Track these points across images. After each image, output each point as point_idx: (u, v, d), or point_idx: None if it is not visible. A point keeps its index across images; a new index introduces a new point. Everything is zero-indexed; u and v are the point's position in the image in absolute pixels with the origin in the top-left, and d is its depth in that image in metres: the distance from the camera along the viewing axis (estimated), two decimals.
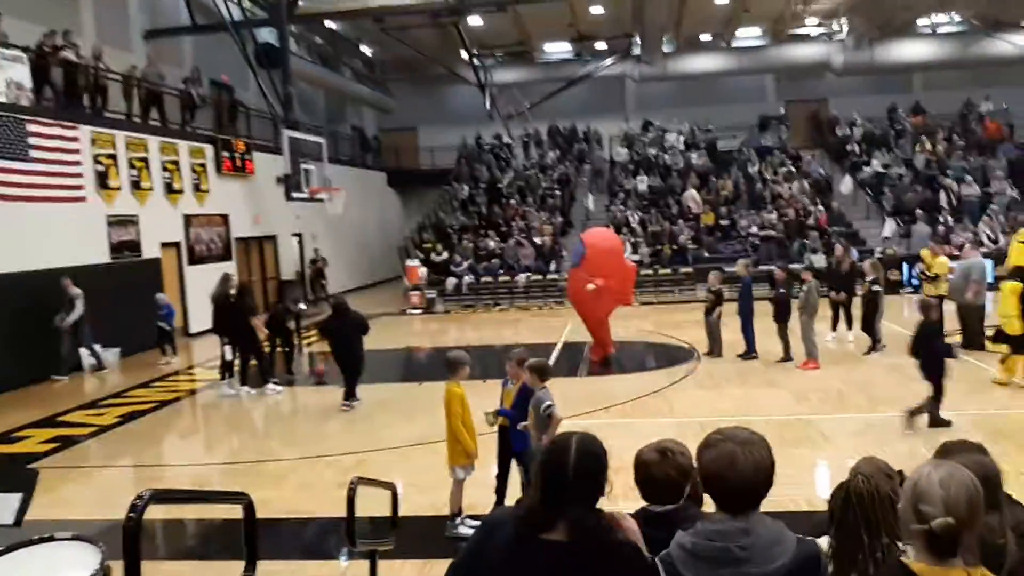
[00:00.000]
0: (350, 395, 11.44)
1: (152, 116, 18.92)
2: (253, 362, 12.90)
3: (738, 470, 2.19)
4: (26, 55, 14.94)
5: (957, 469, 2.14)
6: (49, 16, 17.14)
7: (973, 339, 13.03)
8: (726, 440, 2.23)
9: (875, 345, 13.16)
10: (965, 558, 2.08)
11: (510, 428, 6.60)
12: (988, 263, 15.02)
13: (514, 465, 6.71)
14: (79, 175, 15.78)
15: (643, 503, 2.82)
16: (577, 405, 10.73)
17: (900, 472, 3.03)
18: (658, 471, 2.76)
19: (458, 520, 6.47)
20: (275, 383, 12.84)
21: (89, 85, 16.95)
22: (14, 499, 4.09)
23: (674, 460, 2.79)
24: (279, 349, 13.96)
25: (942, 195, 23.97)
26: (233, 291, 12.94)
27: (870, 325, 13.23)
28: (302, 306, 14.80)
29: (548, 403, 6.16)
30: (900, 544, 2.26)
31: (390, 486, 5.57)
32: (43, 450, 9.97)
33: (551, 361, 13.85)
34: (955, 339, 13.32)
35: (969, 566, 2.08)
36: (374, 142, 33.87)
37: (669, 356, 14.16)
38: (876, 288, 13.21)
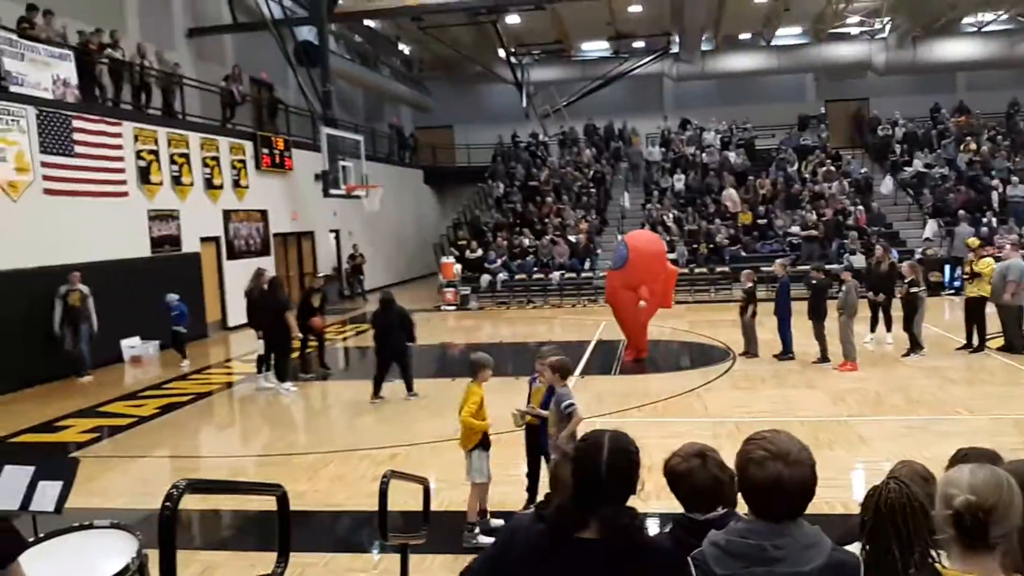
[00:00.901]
0: (410, 387, 11.73)
1: (182, 110, 19.18)
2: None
3: (785, 492, 2.17)
4: (72, 52, 15.24)
5: (990, 466, 2.10)
6: (95, 15, 17.45)
7: (1013, 340, 12.80)
8: (774, 459, 2.18)
9: (914, 347, 12.94)
10: (1004, 563, 2.02)
11: (541, 426, 6.60)
12: None
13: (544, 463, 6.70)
14: (122, 170, 16.05)
15: (674, 502, 2.78)
16: (610, 403, 10.70)
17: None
18: (703, 477, 2.70)
19: (477, 530, 6.36)
20: (290, 384, 12.69)
21: (133, 82, 17.24)
22: (55, 487, 4.17)
23: (713, 463, 2.75)
24: (310, 343, 13.92)
25: (994, 195, 23.50)
26: (265, 286, 13.03)
27: (910, 327, 13.03)
28: (322, 277, 14.68)
29: (570, 401, 6.17)
30: (934, 552, 2.21)
31: (423, 481, 5.58)
32: (84, 439, 10.16)
33: (584, 359, 13.89)
34: (997, 341, 13.11)
35: (1008, 572, 2.03)
36: (411, 140, 34.03)
37: (704, 356, 14.05)
38: (915, 290, 13.00)
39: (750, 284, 13.53)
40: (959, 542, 2.04)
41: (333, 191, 21.46)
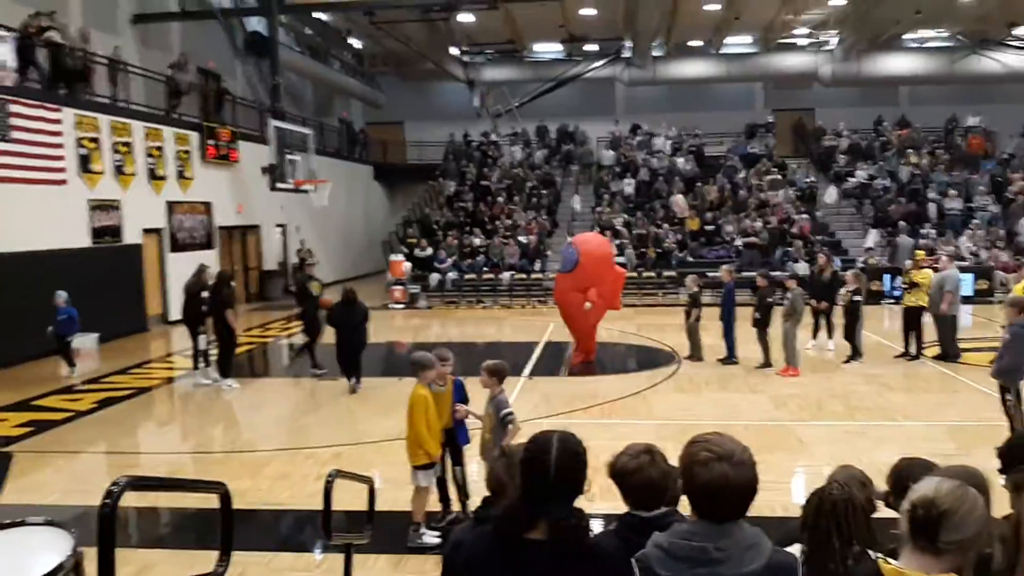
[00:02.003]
0: (358, 378, 11.99)
1: (133, 101, 18.77)
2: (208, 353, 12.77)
3: (729, 492, 2.21)
4: (11, 35, 14.79)
5: (963, 482, 2.17)
6: None
7: (948, 349, 13.19)
8: (719, 460, 2.22)
9: (855, 354, 13.25)
10: (953, 570, 2.07)
11: (456, 429, 6.61)
12: (965, 276, 15.17)
13: (476, 463, 6.69)
14: (61, 157, 15.63)
15: (619, 503, 2.82)
16: (557, 404, 10.75)
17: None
18: (653, 473, 2.75)
19: (422, 530, 6.31)
20: (232, 380, 12.48)
21: (74, 67, 16.79)
22: None
23: (661, 459, 2.80)
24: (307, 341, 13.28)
25: (930, 207, 24.19)
26: (210, 282, 12.81)
27: (851, 334, 13.33)
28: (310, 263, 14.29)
29: (509, 410, 6.15)
30: (872, 552, 2.28)
31: (367, 480, 5.55)
32: (17, 434, 9.87)
33: (532, 360, 13.94)
34: (933, 350, 13.49)
35: None
36: (361, 136, 33.77)
37: (650, 359, 14.19)
38: (857, 298, 13.31)
39: (695, 288, 13.70)
40: (910, 540, 2.10)
41: (280, 185, 21.19)
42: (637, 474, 2.74)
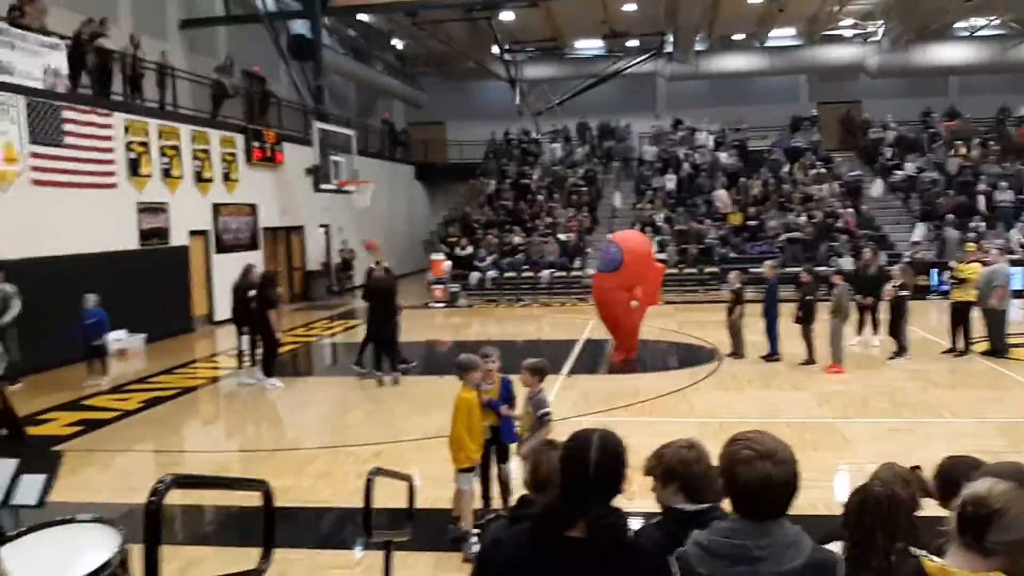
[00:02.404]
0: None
1: (179, 104, 19.10)
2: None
3: (772, 490, 2.20)
4: (64, 43, 15.14)
5: (1018, 484, 2.10)
6: (86, 4, 17.35)
7: (997, 345, 12.90)
8: (761, 458, 2.21)
9: (900, 350, 13.02)
10: (1010, 572, 2.01)
11: (503, 425, 6.60)
12: (1015, 270, 14.82)
13: (515, 461, 6.68)
14: (111, 162, 15.97)
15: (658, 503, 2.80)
16: (597, 402, 10.73)
17: (917, 468, 3.01)
18: (701, 468, 2.74)
19: (471, 539, 6.15)
20: (276, 380, 12.56)
21: (124, 73, 17.16)
22: (38, 480, 4.15)
23: (706, 455, 2.78)
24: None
25: (981, 200, 23.63)
26: (256, 281, 12.98)
27: (896, 330, 13.10)
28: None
29: (547, 409, 6.13)
30: (913, 549, 2.24)
31: (407, 478, 5.59)
32: (67, 433, 10.12)
33: (572, 357, 13.92)
34: (982, 345, 13.20)
35: None
36: (403, 136, 33.99)
37: (691, 356, 14.09)
38: (903, 293, 13.06)
39: (738, 284, 13.58)
40: (957, 537, 2.06)
41: (324, 186, 21.41)
42: (682, 467, 2.74)
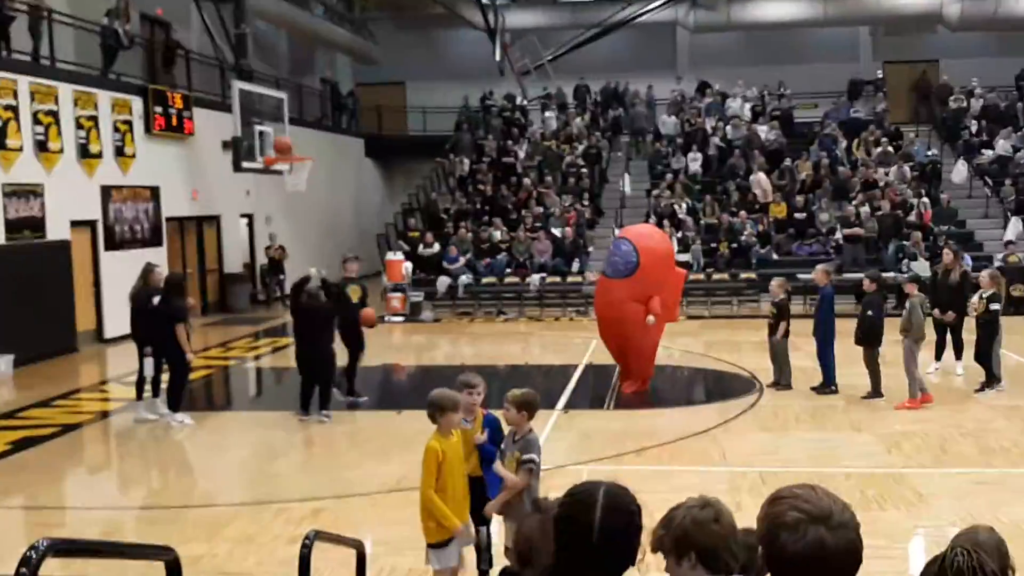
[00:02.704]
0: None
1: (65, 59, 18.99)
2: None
3: (828, 564, 2.18)
4: None
5: None
6: None
7: None
8: (813, 522, 2.19)
9: (990, 380, 13.11)
10: None
11: (489, 479, 6.55)
12: None
13: (497, 522, 6.65)
14: None
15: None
16: (602, 446, 10.73)
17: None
18: (722, 529, 2.73)
19: None
20: (184, 415, 12.48)
21: None
22: None
23: (727, 514, 2.77)
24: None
25: None
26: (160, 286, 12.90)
27: (985, 354, 13.19)
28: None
29: (532, 456, 6.08)
30: None
31: (356, 544, 5.57)
32: None
33: (569, 388, 13.91)
34: None
35: None
36: (350, 100, 33.92)
37: (723, 386, 14.12)
38: (994, 306, 13.17)
39: (782, 295, 13.63)
40: None
41: (247, 164, 21.33)
42: (707, 526, 2.73)
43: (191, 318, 13.17)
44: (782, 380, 13.53)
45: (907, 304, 12.64)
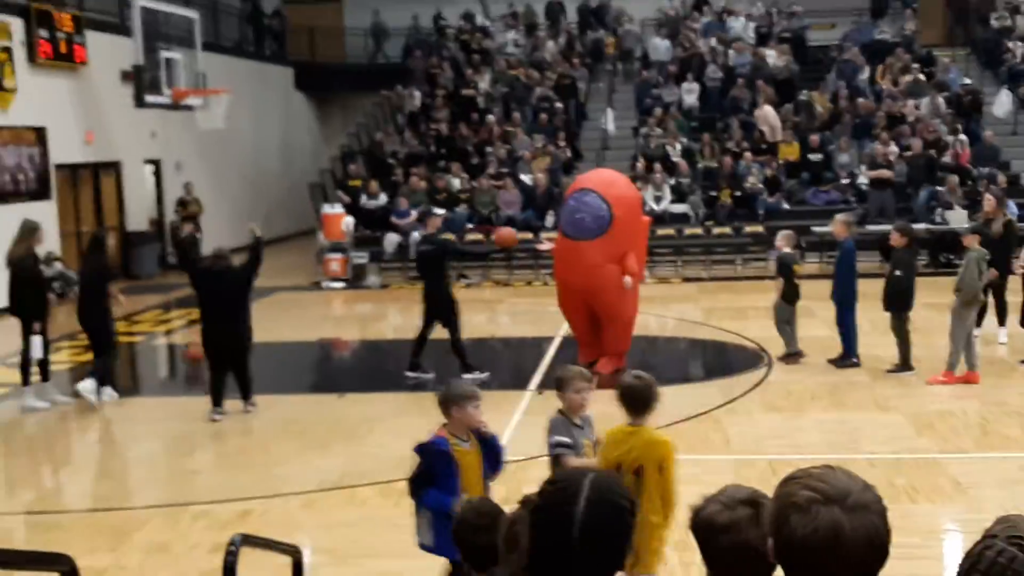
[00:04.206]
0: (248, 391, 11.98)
1: None
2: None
3: (845, 549, 2.15)
4: None
5: None
6: None
7: None
8: (827, 502, 2.17)
9: None
10: None
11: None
12: None
13: None
14: None
15: None
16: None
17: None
18: (753, 536, 2.74)
19: None
20: (111, 389, 12.78)
21: None
22: None
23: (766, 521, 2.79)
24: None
25: None
26: (40, 247, 12.90)
27: None
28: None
29: (560, 439, 6.19)
30: None
31: (291, 550, 5.58)
32: None
33: (543, 365, 13.94)
34: None
35: None
36: (276, 20, 33.60)
37: (725, 360, 14.23)
38: None
39: (788, 250, 13.68)
40: None
41: (151, 98, 21.10)
42: (729, 533, 2.74)
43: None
44: (792, 350, 13.55)
45: (965, 259, 12.64)
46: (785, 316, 13.54)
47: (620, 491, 2.52)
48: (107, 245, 13.36)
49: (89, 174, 23.15)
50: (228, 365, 11.91)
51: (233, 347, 11.84)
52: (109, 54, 22.20)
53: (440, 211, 21.63)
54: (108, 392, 12.66)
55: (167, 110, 22.42)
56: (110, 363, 12.93)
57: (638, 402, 6.22)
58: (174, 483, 9.97)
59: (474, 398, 6.02)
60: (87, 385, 12.48)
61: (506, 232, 13.37)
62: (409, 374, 13.12)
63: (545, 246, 13.34)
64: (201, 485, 9.76)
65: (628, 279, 13.05)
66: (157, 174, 25.74)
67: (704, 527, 2.77)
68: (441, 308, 13.16)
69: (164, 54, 21.27)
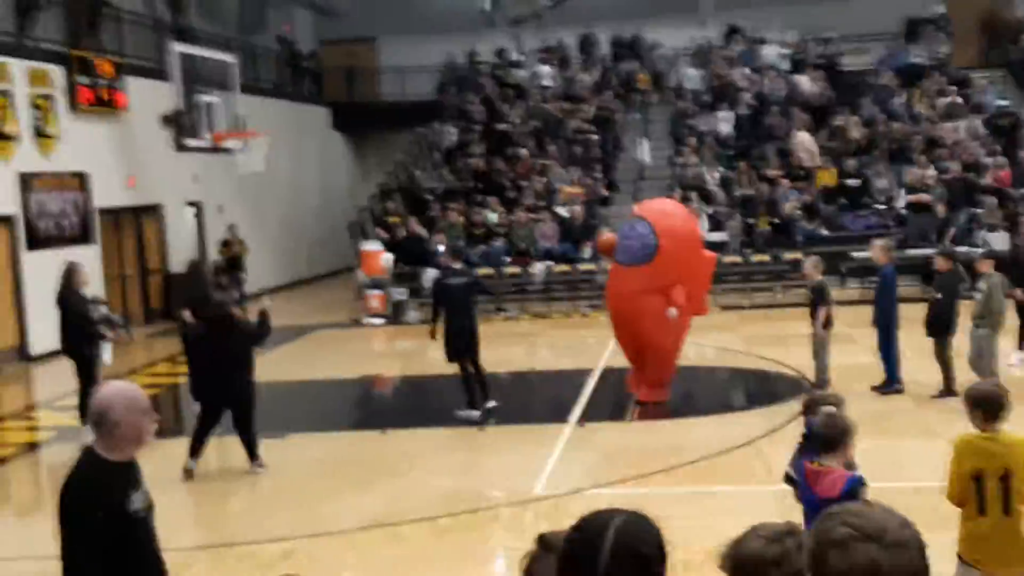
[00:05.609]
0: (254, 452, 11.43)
1: None
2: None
3: None
4: None
5: None
6: None
7: None
8: (865, 539, 2.19)
9: None
10: None
11: None
12: None
13: None
14: None
15: None
16: (624, 465, 10.74)
17: None
18: (802, 566, 2.71)
19: None
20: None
21: None
22: None
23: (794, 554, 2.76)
24: None
25: None
26: (83, 288, 12.94)
27: None
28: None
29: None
30: None
31: None
32: None
33: (584, 398, 13.88)
34: None
35: None
36: (311, 62, 33.84)
37: (766, 389, 14.14)
38: None
39: (817, 277, 13.60)
40: None
41: (191, 142, 21.27)
42: (781, 566, 2.70)
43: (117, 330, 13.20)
44: (816, 379, 13.46)
45: (981, 286, 12.60)
46: (824, 343, 13.49)
47: (648, 538, 2.49)
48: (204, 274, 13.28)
49: (131, 217, 23.37)
50: (218, 420, 11.46)
51: (234, 404, 11.30)
52: (149, 99, 22.40)
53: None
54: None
55: (207, 153, 22.59)
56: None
57: (993, 407, 6.34)
58: (218, 523, 10.02)
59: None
60: None
61: (606, 238, 13.51)
62: (473, 413, 12.62)
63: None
64: (245, 525, 9.80)
65: (673, 310, 13.02)
66: (199, 216, 25.94)
67: (751, 563, 2.74)
68: (472, 342, 13.13)
69: (203, 98, 21.46)
